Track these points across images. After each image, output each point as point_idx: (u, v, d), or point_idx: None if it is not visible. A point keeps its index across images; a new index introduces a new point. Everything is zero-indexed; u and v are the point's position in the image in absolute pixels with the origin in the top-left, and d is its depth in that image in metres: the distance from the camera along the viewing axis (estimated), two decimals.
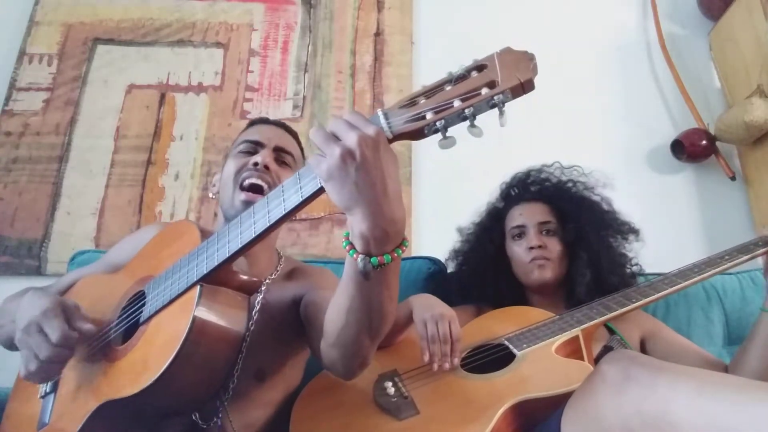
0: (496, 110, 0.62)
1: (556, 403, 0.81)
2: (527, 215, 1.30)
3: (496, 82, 0.61)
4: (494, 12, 2.15)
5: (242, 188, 1.04)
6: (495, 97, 0.61)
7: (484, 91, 0.61)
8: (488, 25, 2.09)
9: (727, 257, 1.14)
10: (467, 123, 0.63)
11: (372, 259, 0.67)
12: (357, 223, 0.65)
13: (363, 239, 0.66)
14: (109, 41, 2.06)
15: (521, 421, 0.90)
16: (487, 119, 0.64)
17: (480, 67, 0.63)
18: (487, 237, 1.36)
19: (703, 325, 1.43)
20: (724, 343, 1.42)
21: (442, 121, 0.62)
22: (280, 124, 1.18)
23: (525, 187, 1.39)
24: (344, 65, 2.06)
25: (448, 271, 1.48)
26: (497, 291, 1.30)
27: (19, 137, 1.91)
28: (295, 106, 1.99)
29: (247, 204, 1.00)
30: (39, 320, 0.80)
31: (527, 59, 0.61)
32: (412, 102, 0.65)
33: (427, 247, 1.76)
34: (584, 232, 1.28)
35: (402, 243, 0.69)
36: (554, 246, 1.26)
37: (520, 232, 1.29)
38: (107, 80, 2.00)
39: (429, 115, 0.63)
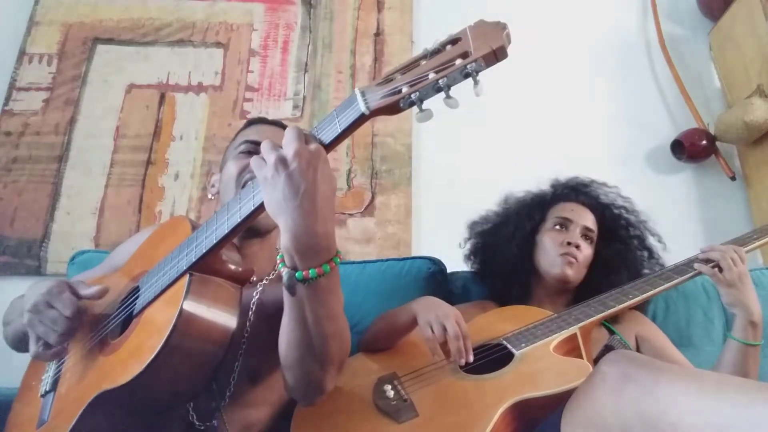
0: (470, 81, 0.62)
1: (556, 402, 0.81)
2: (578, 214, 1.30)
3: (469, 53, 0.62)
4: (494, 12, 2.13)
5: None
6: (468, 66, 0.61)
7: (458, 61, 0.62)
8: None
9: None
10: (443, 95, 0.63)
11: (297, 273, 0.68)
12: (282, 234, 0.68)
13: (287, 252, 0.68)
14: (109, 41, 2.06)
15: (521, 421, 0.90)
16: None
17: (454, 41, 0.64)
18: (527, 216, 1.34)
19: (703, 325, 1.42)
20: (723, 343, 1.42)
21: (417, 93, 0.63)
22: (278, 124, 1.18)
23: (584, 191, 1.38)
24: (344, 65, 2.06)
25: (471, 247, 1.46)
26: (514, 270, 1.29)
27: (19, 137, 1.91)
28: (295, 106, 1.99)
29: None
30: (46, 298, 0.82)
31: (499, 28, 0.62)
32: (388, 79, 0.66)
33: (427, 247, 1.76)
34: (627, 257, 1.30)
35: (332, 260, 0.70)
36: (587, 252, 1.27)
37: (565, 224, 1.28)
38: (107, 80, 2.00)
39: (404, 89, 0.64)
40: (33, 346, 0.85)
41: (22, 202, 1.83)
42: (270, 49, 2.08)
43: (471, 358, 0.99)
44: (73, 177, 1.87)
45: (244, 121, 2.02)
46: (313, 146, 0.67)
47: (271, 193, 0.67)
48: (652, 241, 1.36)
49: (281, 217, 0.67)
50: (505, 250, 1.31)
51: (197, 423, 0.91)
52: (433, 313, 1.02)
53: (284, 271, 0.69)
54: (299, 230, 0.67)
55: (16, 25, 2.05)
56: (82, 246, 1.68)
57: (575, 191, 1.38)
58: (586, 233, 1.28)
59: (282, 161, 0.65)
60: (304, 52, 2.08)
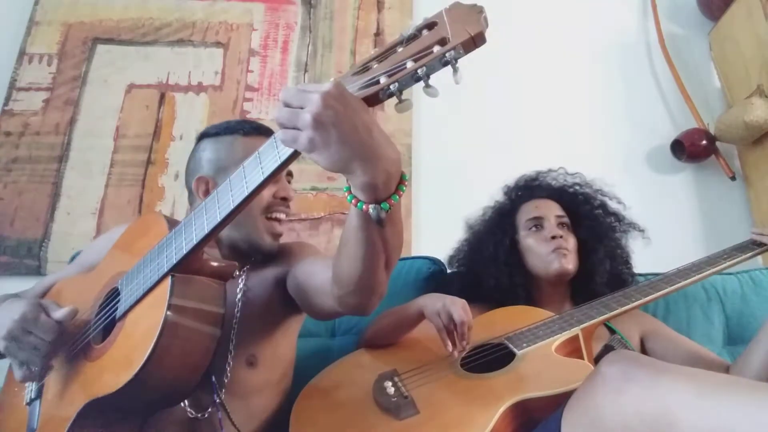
0: (449, 68, 0.60)
1: (557, 403, 0.81)
2: (543, 208, 1.30)
3: (446, 39, 0.59)
4: (494, 13, 2.13)
5: (270, 218, 1.06)
6: (447, 54, 0.59)
7: (436, 48, 0.59)
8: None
9: (725, 257, 1.15)
10: (422, 84, 0.61)
11: (383, 205, 0.65)
12: (359, 177, 0.63)
13: (370, 189, 0.64)
14: (109, 41, 2.05)
15: (521, 421, 0.90)
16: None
17: (430, 25, 0.61)
18: (500, 231, 1.33)
19: (703, 325, 1.43)
20: (724, 344, 1.42)
21: (396, 84, 0.60)
22: None
23: (536, 186, 1.40)
24: (344, 65, 2.06)
25: (450, 271, 1.47)
26: (512, 284, 1.27)
27: (19, 137, 1.90)
28: None
29: (276, 237, 1.07)
30: (22, 325, 0.82)
31: (476, 12, 0.60)
32: (364, 68, 0.64)
33: (427, 247, 1.76)
34: (600, 229, 1.31)
35: (402, 178, 0.67)
36: (570, 239, 1.27)
37: (538, 224, 1.28)
38: (107, 80, 2.00)
39: (383, 80, 0.61)
40: (18, 372, 0.85)
41: (22, 202, 1.83)
42: (270, 49, 2.08)
43: (465, 347, 1.00)
44: (73, 177, 1.86)
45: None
46: (325, 86, 0.60)
47: (328, 149, 0.60)
48: (614, 205, 1.38)
49: (354, 162, 0.61)
50: (497, 272, 1.28)
51: (197, 414, 0.92)
52: (441, 302, 1.04)
53: (371, 208, 0.65)
54: (379, 162, 0.62)
55: (16, 25, 2.05)
56: (82, 246, 1.66)
57: (529, 189, 1.39)
58: (560, 221, 1.29)
59: (318, 120, 0.59)
60: (304, 52, 2.08)
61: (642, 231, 1.35)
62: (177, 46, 2.06)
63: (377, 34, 2.11)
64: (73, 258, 1.51)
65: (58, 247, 1.77)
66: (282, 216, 1.07)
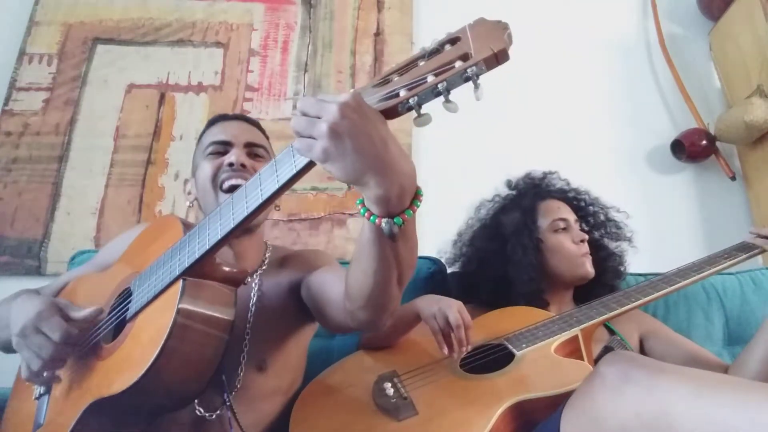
0: (471, 84, 0.59)
1: (556, 403, 0.81)
2: (565, 210, 1.30)
3: (469, 55, 0.58)
4: (494, 13, 2.13)
5: (222, 190, 1.02)
6: (468, 70, 0.58)
7: (458, 64, 0.59)
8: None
9: (725, 256, 1.15)
10: (442, 99, 0.60)
11: (396, 220, 0.64)
12: (372, 189, 0.62)
13: (383, 202, 0.63)
14: (109, 41, 2.05)
15: (520, 421, 0.90)
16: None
17: (453, 40, 0.61)
18: (525, 231, 1.28)
19: (703, 325, 1.43)
20: (724, 343, 1.42)
21: (416, 97, 0.60)
22: (242, 118, 1.16)
23: (547, 185, 1.39)
24: (344, 65, 2.06)
25: (450, 270, 1.46)
26: (538, 288, 1.24)
27: (19, 137, 1.90)
28: (295, 106, 1.99)
29: None
30: (35, 322, 0.81)
31: (501, 29, 0.59)
32: (385, 80, 0.63)
33: (428, 247, 1.76)
34: (601, 231, 1.34)
35: (417, 193, 0.66)
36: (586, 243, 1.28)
37: (566, 226, 1.28)
38: (107, 80, 2.00)
39: (402, 93, 0.61)
40: (24, 371, 0.83)
41: (22, 202, 1.83)
42: (270, 49, 2.08)
43: (466, 349, 1.00)
44: (73, 177, 1.86)
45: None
46: (344, 96, 0.60)
47: (343, 160, 0.60)
48: (614, 213, 1.39)
49: (368, 174, 0.60)
50: (527, 276, 1.24)
51: (206, 414, 0.92)
52: (437, 306, 1.03)
53: (383, 222, 0.64)
54: (393, 176, 0.61)
55: (16, 25, 2.05)
56: (82, 246, 1.68)
57: (543, 188, 1.39)
58: (578, 226, 1.30)
59: (335, 129, 0.58)
60: (304, 52, 2.08)
61: (629, 240, 1.37)
62: (177, 46, 2.06)
63: (377, 34, 2.11)
64: (73, 258, 1.51)
65: (58, 247, 1.77)
66: (232, 182, 1.02)
